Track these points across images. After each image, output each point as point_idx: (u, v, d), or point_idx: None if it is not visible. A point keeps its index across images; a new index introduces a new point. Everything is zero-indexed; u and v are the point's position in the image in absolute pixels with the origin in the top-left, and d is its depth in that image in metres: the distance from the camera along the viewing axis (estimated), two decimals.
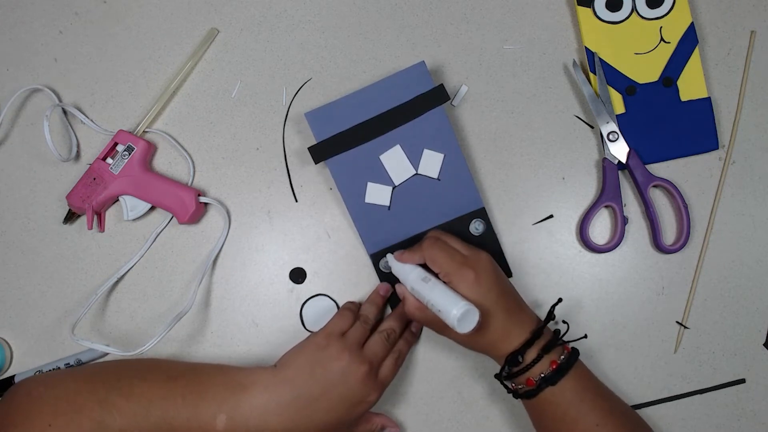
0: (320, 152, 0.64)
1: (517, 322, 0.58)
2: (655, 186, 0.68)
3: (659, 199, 0.69)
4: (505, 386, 0.60)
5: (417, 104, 0.64)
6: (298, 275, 0.68)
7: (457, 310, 0.53)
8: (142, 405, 0.55)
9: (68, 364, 0.65)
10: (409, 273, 0.59)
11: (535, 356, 0.56)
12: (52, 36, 0.70)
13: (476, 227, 0.66)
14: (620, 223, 0.67)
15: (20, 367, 0.67)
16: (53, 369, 0.65)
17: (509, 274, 0.67)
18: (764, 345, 0.67)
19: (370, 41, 0.70)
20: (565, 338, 0.60)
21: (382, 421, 0.64)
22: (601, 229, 0.68)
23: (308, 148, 0.64)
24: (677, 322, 0.68)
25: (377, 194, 0.65)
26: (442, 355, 0.67)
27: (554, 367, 0.56)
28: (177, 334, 0.67)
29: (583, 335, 0.65)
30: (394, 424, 0.65)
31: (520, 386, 0.58)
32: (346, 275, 0.68)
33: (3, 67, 0.70)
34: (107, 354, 0.66)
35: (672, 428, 0.67)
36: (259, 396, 0.56)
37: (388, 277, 0.66)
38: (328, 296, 0.68)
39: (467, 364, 0.67)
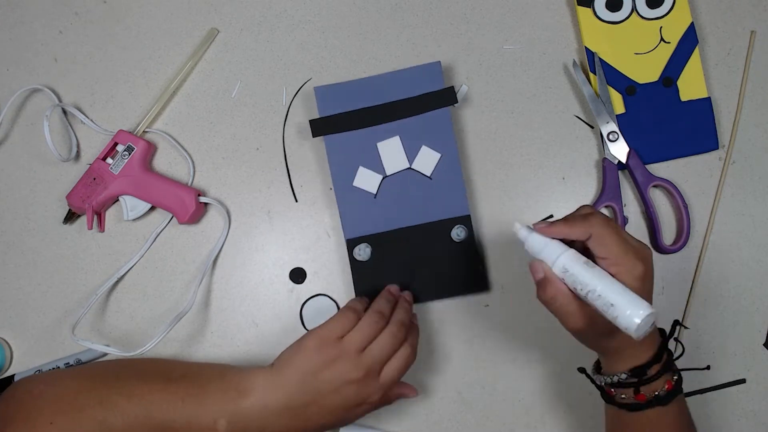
0: (321, 127, 0.65)
1: (650, 335, 0.51)
2: (655, 186, 0.68)
3: (659, 199, 0.69)
4: (598, 386, 0.56)
5: (424, 101, 0.65)
6: (298, 275, 0.68)
7: (642, 313, 0.45)
8: (143, 406, 0.55)
9: (68, 363, 0.65)
10: (560, 251, 0.49)
11: (655, 373, 0.52)
12: (52, 36, 0.70)
13: (458, 233, 0.65)
14: (620, 223, 0.67)
15: (20, 367, 0.67)
16: (53, 369, 0.65)
17: (487, 287, 0.67)
18: (764, 345, 0.67)
19: (370, 41, 0.70)
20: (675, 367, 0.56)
21: (398, 392, 0.60)
22: None
23: (309, 121, 0.64)
24: (677, 321, 0.67)
25: (366, 180, 0.66)
26: (441, 354, 0.67)
27: (669, 387, 0.52)
28: (177, 334, 0.67)
29: (706, 366, 0.64)
30: (411, 389, 0.60)
31: (623, 396, 0.53)
32: (346, 275, 0.68)
33: (3, 67, 0.70)
34: (107, 354, 0.66)
35: None
36: (257, 401, 0.55)
37: (361, 266, 0.65)
38: (328, 296, 0.68)
39: (467, 364, 0.67)
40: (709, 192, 0.69)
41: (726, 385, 0.67)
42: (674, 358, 0.54)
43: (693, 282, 0.68)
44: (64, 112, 0.69)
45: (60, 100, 0.69)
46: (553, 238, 0.50)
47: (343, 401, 0.55)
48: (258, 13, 0.70)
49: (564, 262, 0.49)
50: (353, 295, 0.67)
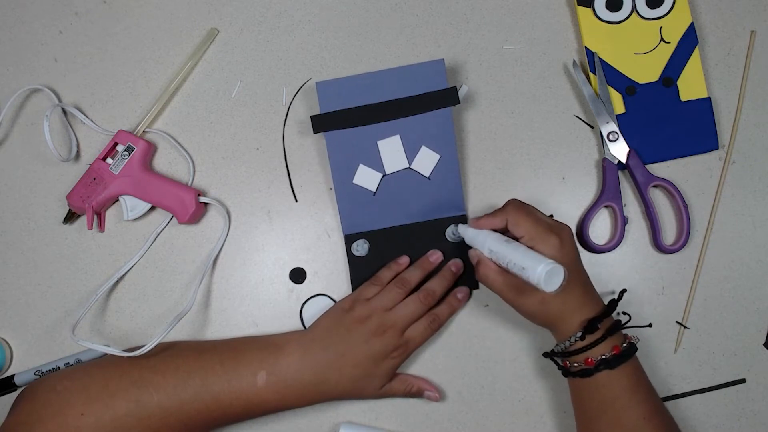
0: (322, 123, 0.65)
1: (589, 298, 0.58)
2: (655, 186, 0.68)
3: (659, 199, 0.69)
4: (556, 363, 0.61)
5: (426, 100, 0.64)
6: (298, 275, 0.68)
7: (543, 266, 0.52)
8: (180, 377, 0.59)
9: (68, 363, 0.65)
10: (486, 237, 0.59)
11: (599, 337, 0.57)
12: (52, 36, 0.70)
13: (453, 232, 0.66)
14: (620, 223, 0.67)
15: (20, 367, 0.67)
16: (53, 369, 0.65)
17: (476, 286, 0.67)
18: (764, 345, 0.67)
19: (370, 41, 0.70)
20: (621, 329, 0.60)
21: (420, 384, 0.65)
22: (601, 229, 0.68)
23: (311, 117, 0.64)
24: (677, 322, 0.68)
25: (366, 178, 0.66)
26: (442, 354, 0.67)
27: (616, 351, 0.56)
28: (177, 334, 0.67)
29: (648, 324, 0.66)
30: (434, 389, 0.65)
31: (576, 364, 0.58)
32: (346, 275, 0.68)
33: (3, 67, 0.70)
34: (107, 354, 0.66)
35: None
36: (294, 353, 0.61)
37: (358, 261, 0.66)
38: (328, 296, 0.68)
39: (467, 363, 0.67)
40: (709, 192, 0.69)
41: (726, 384, 0.67)
42: (623, 324, 0.59)
43: (693, 282, 0.68)
44: (64, 112, 0.69)
45: (60, 100, 0.69)
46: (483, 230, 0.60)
47: (370, 352, 0.61)
48: (258, 13, 0.70)
49: (489, 245, 0.58)
50: (351, 292, 0.67)
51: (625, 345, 0.57)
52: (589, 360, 0.57)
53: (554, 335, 0.60)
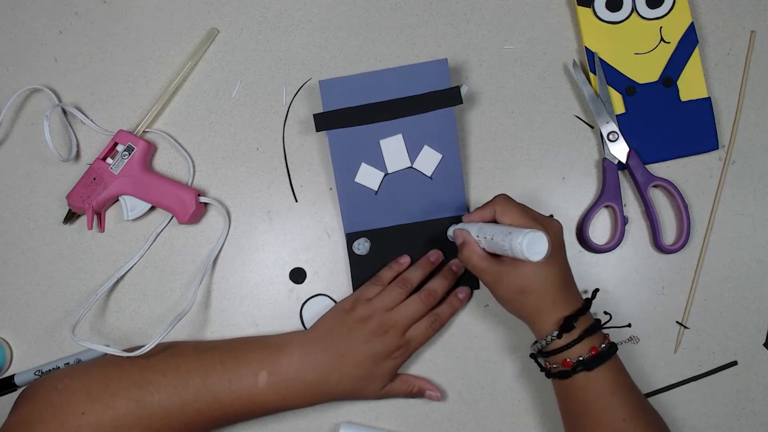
0: (324, 121, 0.65)
1: (567, 295, 0.57)
2: (655, 186, 0.68)
3: (659, 199, 0.69)
4: (539, 363, 0.60)
5: (429, 100, 0.65)
6: (298, 275, 0.68)
7: (528, 230, 0.52)
8: (180, 376, 0.59)
9: (68, 363, 0.65)
10: (473, 226, 0.59)
11: (576, 337, 0.56)
12: (52, 36, 0.70)
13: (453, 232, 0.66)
14: (620, 223, 0.67)
15: (20, 367, 0.67)
16: (53, 369, 0.65)
17: (477, 286, 0.67)
18: (764, 345, 0.67)
19: (370, 41, 0.70)
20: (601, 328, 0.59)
21: (421, 384, 0.65)
22: (601, 229, 0.68)
23: (313, 115, 0.64)
24: (677, 322, 0.68)
25: (368, 176, 0.66)
26: (442, 354, 0.67)
27: (594, 353, 0.56)
28: (177, 334, 0.67)
29: (627, 324, 0.66)
30: (435, 389, 0.65)
31: (554, 365, 0.58)
32: (346, 275, 0.68)
33: (3, 67, 0.70)
34: (107, 354, 0.66)
35: (671, 426, 0.66)
36: (295, 353, 0.61)
37: (360, 260, 0.66)
38: (328, 296, 0.68)
39: (467, 363, 0.67)
40: (709, 192, 0.69)
41: (720, 368, 0.67)
42: (602, 324, 0.58)
43: (693, 282, 0.68)
44: (64, 112, 0.69)
45: (60, 100, 0.69)
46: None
47: (371, 352, 0.61)
48: (258, 13, 0.70)
49: (479, 225, 0.58)
50: (352, 291, 0.67)
51: (603, 346, 0.57)
52: (567, 361, 0.56)
53: (533, 332, 0.59)
